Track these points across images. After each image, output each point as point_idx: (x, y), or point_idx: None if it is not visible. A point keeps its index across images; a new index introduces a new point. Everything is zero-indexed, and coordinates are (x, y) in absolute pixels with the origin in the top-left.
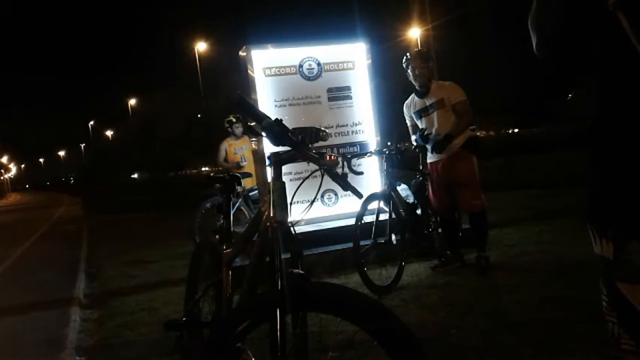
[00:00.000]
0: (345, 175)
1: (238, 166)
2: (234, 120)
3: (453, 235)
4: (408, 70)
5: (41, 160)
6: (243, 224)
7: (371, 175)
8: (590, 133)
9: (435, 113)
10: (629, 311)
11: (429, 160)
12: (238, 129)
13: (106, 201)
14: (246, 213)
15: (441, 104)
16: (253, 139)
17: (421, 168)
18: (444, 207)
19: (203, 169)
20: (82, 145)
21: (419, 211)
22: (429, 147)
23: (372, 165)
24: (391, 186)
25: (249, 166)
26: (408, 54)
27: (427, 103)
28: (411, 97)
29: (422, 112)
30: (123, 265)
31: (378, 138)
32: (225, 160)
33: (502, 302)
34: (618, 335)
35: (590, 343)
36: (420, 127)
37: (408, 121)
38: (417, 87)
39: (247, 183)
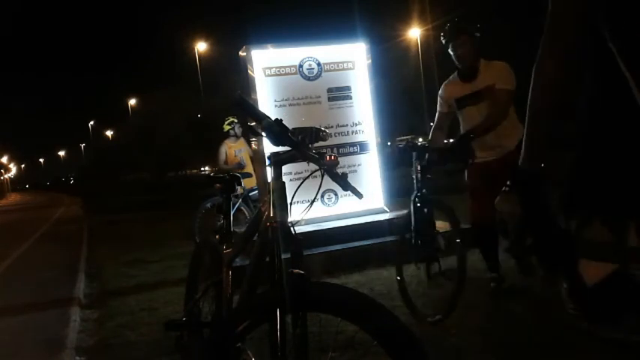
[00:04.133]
0: (345, 175)
1: (240, 167)
2: (236, 120)
3: (493, 248)
4: (449, 50)
5: (41, 160)
6: (243, 224)
7: (371, 175)
8: (578, 139)
9: (485, 104)
10: (578, 283)
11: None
12: (240, 129)
13: (106, 201)
14: (246, 213)
15: (491, 92)
16: (253, 139)
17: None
18: (486, 215)
19: (204, 169)
20: (82, 145)
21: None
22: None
23: (372, 164)
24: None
25: (247, 168)
26: (446, 27)
27: (474, 90)
28: (451, 78)
29: (466, 101)
30: (123, 265)
31: (378, 139)
32: (225, 162)
33: (502, 302)
34: (567, 300)
35: (590, 343)
36: (460, 119)
37: (439, 108)
38: (460, 68)
39: (247, 183)
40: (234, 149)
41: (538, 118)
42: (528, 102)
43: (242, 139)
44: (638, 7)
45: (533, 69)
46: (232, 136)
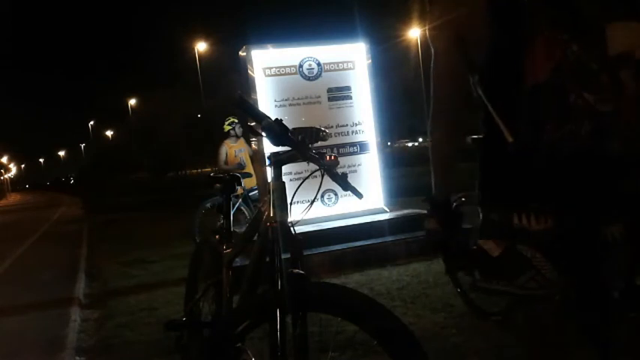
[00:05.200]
0: (345, 175)
1: (240, 167)
2: (236, 120)
3: None
4: None
5: (41, 160)
6: (243, 224)
7: (371, 175)
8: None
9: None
10: (484, 257)
11: None
12: (241, 129)
13: (106, 201)
14: (246, 213)
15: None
16: (253, 139)
17: None
18: None
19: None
20: (82, 145)
21: None
22: None
23: (372, 164)
24: None
25: (247, 168)
26: None
27: None
28: None
29: None
30: (123, 265)
31: (378, 139)
32: (226, 162)
33: (503, 302)
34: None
35: (586, 344)
36: None
37: None
38: None
39: (247, 183)
40: (234, 149)
41: (440, 162)
42: (429, 147)
43: (242, 140)
44: (500, 74)
45: (428, 122)
46: (232, 136)
